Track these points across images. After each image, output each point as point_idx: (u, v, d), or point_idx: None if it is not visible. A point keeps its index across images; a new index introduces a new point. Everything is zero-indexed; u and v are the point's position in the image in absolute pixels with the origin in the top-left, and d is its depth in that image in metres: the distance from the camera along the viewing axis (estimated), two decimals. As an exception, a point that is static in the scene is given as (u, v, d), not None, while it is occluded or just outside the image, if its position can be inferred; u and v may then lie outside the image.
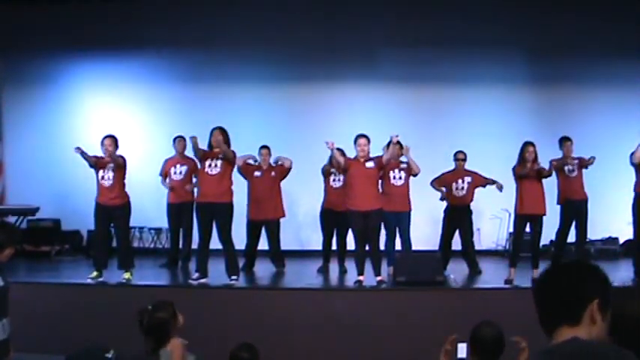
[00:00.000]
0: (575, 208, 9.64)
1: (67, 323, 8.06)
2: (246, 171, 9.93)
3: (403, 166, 9.59)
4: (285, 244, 10.51)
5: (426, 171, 9.73)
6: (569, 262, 2.37)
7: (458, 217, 9.94)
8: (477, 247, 10.44)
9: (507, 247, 11.45)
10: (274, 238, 10.07)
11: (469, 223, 10.02)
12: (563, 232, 9.76)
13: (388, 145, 9.10)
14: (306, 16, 12.16)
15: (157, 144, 11.39)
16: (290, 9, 12.16)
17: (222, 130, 8.89)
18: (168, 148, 10.68)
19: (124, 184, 9.07)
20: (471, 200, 9.99)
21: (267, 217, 9.99)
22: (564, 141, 9.75)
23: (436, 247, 10.15)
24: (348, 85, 12.22)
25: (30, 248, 11.35)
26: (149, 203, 10.92)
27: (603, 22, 11.76)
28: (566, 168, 9.62)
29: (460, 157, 10.06)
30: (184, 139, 10.27)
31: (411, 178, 9.63)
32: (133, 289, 8.63)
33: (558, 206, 9.70)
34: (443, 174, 10.07)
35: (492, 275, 9.77)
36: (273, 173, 10.04)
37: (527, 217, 9.16)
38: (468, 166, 10.07)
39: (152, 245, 11.93)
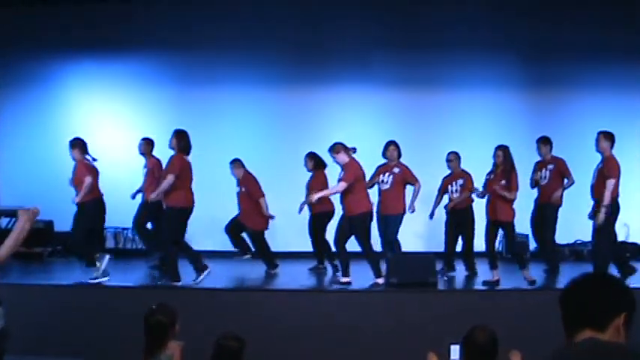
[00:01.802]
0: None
1: (60, 325, 8.07)
2: None
3: (395, 170, 9.64)
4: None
5: (418, 174, 9.77)
6: (607, 274, 2.62)
7: (456, 219, 9.94)
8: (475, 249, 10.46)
9: (501, 249, 11.42)
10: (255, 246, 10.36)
11: (469, 225, 9.94)
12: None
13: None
14: (298, 17, 12.17)
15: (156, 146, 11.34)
16: (282, 11, 12.17)
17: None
18: (157, 148, 10.62)
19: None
20: (471, 202, 9.97)
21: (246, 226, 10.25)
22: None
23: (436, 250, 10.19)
24: (341, 88, 12.20)
25: (22, 250, 11.29)
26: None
27: (595, 25, 11.80)
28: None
29: (450, 159, 10.02)
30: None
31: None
32: (126, 290, 8.65)
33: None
34: (442, 180, 10.13)
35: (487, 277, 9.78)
36: (243, 189, 10.19)
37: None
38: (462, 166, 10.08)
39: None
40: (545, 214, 9.87)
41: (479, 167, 9.91)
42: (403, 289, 8.43)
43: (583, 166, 9.61)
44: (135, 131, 11.49)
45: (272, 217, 10.11)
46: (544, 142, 9.98)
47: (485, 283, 9.05)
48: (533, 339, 6.07)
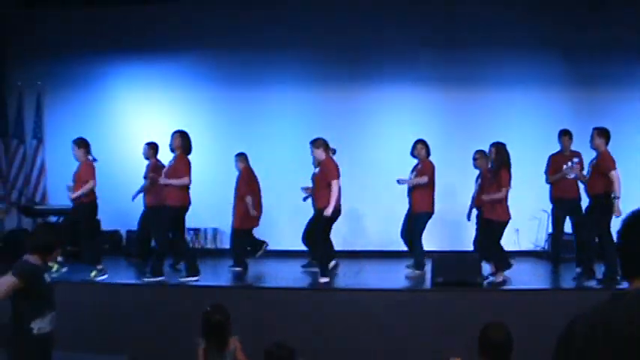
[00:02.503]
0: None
1: (103, 322, 8.16)
2: None
3: (419, 168, 9.59)
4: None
5: (460, 173, 9.70)
6: None
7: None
8: (515, 248, 10.35)
9: (546, 247, 11.33)
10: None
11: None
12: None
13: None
14: (342, 18, 12.16)
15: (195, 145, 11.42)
16: (327, 12, 12.17)
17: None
18: (205, 149, 10.72)
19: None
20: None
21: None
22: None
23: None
24: (385, 87, 12.20)
25: (70, 248, 11.46)
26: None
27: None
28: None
29: (476, 157, 9.78)
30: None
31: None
32: (174, 289, 8.75)
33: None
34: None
35: (530, 276, 9.69)
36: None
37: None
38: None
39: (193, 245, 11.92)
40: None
41: (521, 166, 9.81)
42: (448, 289, 8.37)
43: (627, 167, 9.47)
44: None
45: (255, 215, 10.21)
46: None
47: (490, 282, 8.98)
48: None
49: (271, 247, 10.75)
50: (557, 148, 9.56)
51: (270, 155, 10.82)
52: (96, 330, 8.11)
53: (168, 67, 12.64)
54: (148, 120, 12.44)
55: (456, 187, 10.47)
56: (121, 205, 11.08)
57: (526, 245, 11.63)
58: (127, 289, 8.87)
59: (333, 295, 8.59)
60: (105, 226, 12.02)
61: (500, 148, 8.99)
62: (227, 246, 11.12)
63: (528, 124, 11.84)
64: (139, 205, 10.35)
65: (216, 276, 9.85)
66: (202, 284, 8.98)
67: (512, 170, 9.28)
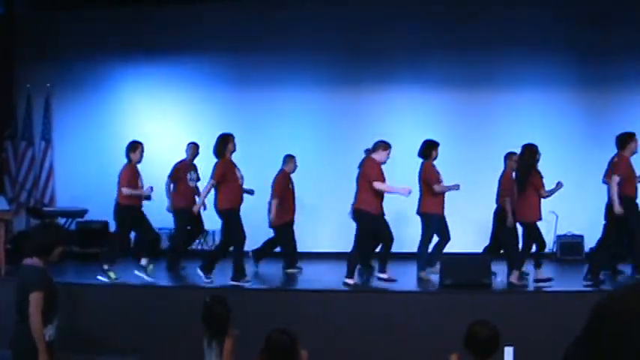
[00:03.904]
0: None
1: (116, 324, 8.15)
2: None
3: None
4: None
5: (471, 174, 9.67)
6: None
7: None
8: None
9: (554, 249, 11.29)
10: None
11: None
12: None
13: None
14: (351, 18, 12.15)
15: (205, 147, 11.40)
16: (336, 12, 12.17)
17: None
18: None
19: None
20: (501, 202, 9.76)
21: None
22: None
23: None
24: (394, 87, 12.18)
25: (78, 250, 11.49)
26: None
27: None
28: None
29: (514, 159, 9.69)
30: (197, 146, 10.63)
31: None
32: (184, 290, 8.74)
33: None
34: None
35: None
36: None
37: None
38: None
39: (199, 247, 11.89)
40: None
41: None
42: (457, 290, 8.34)
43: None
44: (189, 133, 11.60)
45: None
46: None
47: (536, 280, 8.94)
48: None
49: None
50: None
51: (280, 156, 10.78)
52: (107, 331, 8.11)
53: (178, 69, 12.64)
54: (157, 122, 12.45)
55: (465, 187, 10.39)
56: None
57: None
58: (137, 290, 8.85)
59: (340, 297, 8.56)
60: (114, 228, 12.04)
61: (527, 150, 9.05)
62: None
63: (539, 126, 11.76)
64: (148, 208, 10.28)
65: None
66: (211, 285, 8.99)
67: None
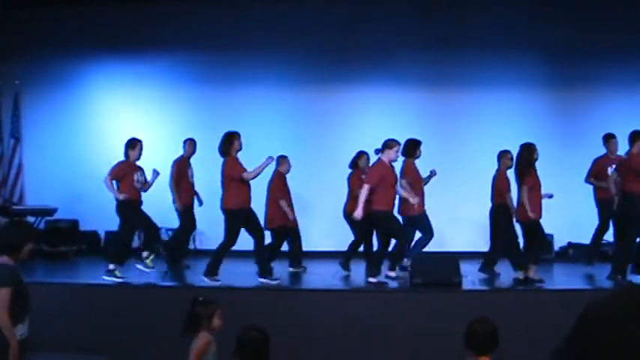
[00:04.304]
0: None
1: (85, 323, 8.10)
2: None
3: None
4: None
5: (440, 172, 9.73)
6: None
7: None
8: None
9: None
10: None
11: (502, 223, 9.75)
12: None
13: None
14: (321, 17, 12.18)
15: (174, 145, 11.36)
16: (305, 11, 12.19)
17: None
18: (182, 148, 10.68)
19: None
20: (497, 200, 9.73)
21: None
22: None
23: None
24: (364, 87, 12.22)
25: (48, 249, 11.40)
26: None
27: (620, 26, 11.70)
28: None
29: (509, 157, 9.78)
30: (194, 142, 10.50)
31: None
32: (154, 289, 8.69)
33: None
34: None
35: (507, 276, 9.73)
36: None
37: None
38: (485, 166, 9.98)
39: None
40: None
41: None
42: (427, 289, 8.39)
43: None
44: (157, 131, 11.57)
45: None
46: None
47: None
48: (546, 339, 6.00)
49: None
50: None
51: (248, 155, 10.74)
52: (76, 331, 8.05)
53: (148, 65, 12.59)
54: (127, 119, 12.37)
55: (435, 187, 10.44)
56: (99, 205, 11.00)
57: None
58: (106, 290, 8.80)
59: (311, 297, 8.57)
60: (83, 227, 11.98)
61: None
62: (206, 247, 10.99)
63: (507, 125, 11.88)
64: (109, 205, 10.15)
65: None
66: (174, 285, 8.99)
67: (488, 172, 9.42)
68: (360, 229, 9.79)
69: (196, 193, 10.57)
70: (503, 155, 9.80)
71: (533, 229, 8.98)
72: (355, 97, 12.27)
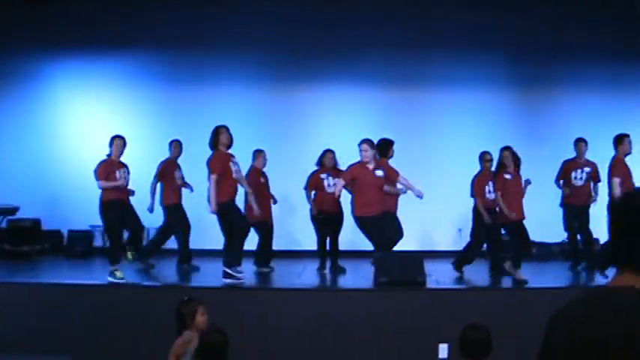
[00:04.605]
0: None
1: (48, 323, 8.03)
2: None
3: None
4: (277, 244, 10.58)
5: (405, 172, 9.76)
6: None
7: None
8: (457, 248, 10.49)
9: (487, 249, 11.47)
10: None
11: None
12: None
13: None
14: (289, 16, 12.15)
15: (142, 145, 11.25)
16: (273, 10, 12.16)
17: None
18: (147, 149, 10.62)
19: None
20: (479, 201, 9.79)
21: None
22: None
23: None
24: (332, 86, 12.25)
25: (10, 248, 11.27)
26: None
27: (583, 25, 11.85)
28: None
29: (488, 159, 9.86)
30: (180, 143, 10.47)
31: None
32: (119, 289, 8.62)
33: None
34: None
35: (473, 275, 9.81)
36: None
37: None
38: (449, 165, 10.05)
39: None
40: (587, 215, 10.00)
41: (468, 164, 9.93)
42: (392, 289, 8.43)
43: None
44: (123, 130, 11.45)
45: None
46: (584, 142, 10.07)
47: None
48: (522, 338, 6.08)
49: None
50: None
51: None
52: (39, 331, 7.98)
53: (111, 64, 12.45)
54: (89, 119, 12.25)
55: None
56: (62, 204, 10.92)
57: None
58: (70, 289, 8.72)
59: (276, 295, 8.58)
60: (46, 226, 11.84)
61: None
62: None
63: (472, 124, 12.00)
64: (80, 205, 10.11)
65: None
66: (143, 284, 8.93)
67: (459, 169, 9.46)
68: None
69: (186, 184, 10.53)
70: (482, 157, 9.95)
71: (519, 229, 9.04)
72: (321, 96, 12.29)
